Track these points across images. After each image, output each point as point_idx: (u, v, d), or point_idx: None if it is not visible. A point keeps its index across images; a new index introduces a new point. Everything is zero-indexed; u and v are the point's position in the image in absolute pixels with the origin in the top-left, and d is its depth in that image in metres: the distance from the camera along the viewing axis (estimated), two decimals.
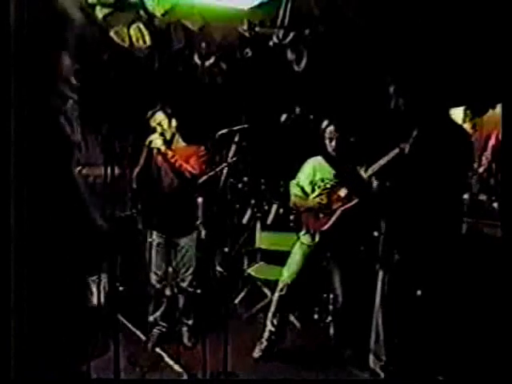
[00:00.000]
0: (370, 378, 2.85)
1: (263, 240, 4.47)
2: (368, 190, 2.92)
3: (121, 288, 2.86)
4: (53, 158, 1.43)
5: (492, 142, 4.24)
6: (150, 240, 3.64)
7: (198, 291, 3.52)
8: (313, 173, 3.36)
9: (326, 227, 3.24)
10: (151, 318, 3.63)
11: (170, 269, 3.58)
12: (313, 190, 3.35)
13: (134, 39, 3.66)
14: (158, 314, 3.62)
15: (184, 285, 3.54)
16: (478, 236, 3.49)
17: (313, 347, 3.62)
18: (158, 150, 3.38)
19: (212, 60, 4.17)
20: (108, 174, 2.76)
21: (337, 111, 3.31)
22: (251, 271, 4.31)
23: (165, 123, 3.44)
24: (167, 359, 3.29)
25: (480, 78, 3.59)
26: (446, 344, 2.63)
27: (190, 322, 3.62)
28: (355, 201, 3.14)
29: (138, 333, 3.64)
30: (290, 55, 3.89)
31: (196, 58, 4.15)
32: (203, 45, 4.09)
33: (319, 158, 3.39)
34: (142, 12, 3.58)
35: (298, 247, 3.41)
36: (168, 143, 3.43)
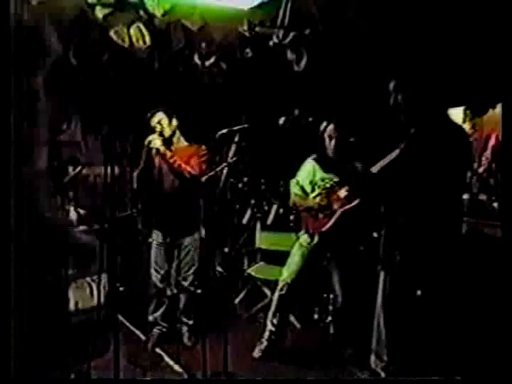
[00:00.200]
0: (370, 377, 2.85)
1: (263, 240, 4.46)
2: (368, 190, 2.92)
3: (121, 288, 2.86)
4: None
5: (492, 142, 4.24)
6: (150, 240, 3.64)
7: (199, 291, 3.52)
8: (313, 172, 3.35)
9: (325, 228, 3.24)
10: (151, 318, 3.63)
11: (173, 268, 3.58)
12: (313, 190, 3.34)
13: (134, 39, 3.67)
14: (158, 313, 3.62)
15: (185, 284, 3.54)
16: (478, 236, 3.50)
17: (313, 347, 3.62)
18: (157, 150, 3.37)
19: (212, 60, 4.17)
20: (108, 174, 2.76)
21: (337, 111, 3.31)
22: (251, 271, 4.31)
23: (164, 122, 3.43)
24: (167, 359, 3.29)
25: (480, 77, 3.59)
26: (448, 344, 2.63)
27: (191, 322, 3.61)
28: (355, 202, 3.13)
29: (138, 333, 3.64)
30: (289, 55, 3.89)
31: (196, 58, 4.15)
32: (203, 45, 4.09)
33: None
34: (141, 12, 3.58)
35: (298, 248, 3.41)
36: (167, 143, 3.42)
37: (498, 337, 2.11)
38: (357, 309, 3.33)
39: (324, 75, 4.03)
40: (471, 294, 3.08)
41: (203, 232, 3.57)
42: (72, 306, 3.72)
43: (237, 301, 4.31)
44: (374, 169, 2.64)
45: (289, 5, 3.55)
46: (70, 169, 4.17)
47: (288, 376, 3.16)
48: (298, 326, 3.94)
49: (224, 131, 2.97)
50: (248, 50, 4.05)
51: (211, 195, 3.43)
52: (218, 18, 3.75)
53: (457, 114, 4.15)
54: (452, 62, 3.44)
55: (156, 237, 3.58)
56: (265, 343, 3.42)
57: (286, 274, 3.40)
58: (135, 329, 3.66)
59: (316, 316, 3.98)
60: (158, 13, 3.50)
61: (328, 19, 3.67)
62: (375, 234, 3.44)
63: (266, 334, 3.43)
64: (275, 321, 3.41)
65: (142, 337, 3.60)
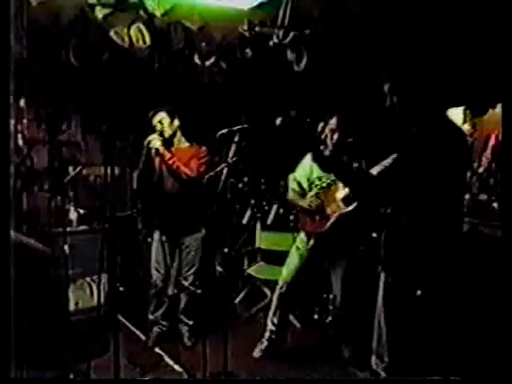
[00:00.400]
0: (370, 377, 2.85)
1: (263, 240, 4.47)
2: (367, 193, 2.91)
3: (121, 288, 2.86)
4: None
5: (492, 141, 4.24)
6: (150, 240, 3.64)
7: (199, 291, 3.52)
8: (310, 169, 3.33)
9: (323, 229, 3.23)
10: (152, 317, 3.63)
11: (173, 268, 3.58)
12: (310, 189, 3.33)
13: (134, 39, 3.67)
14: (158, 312, 3.62)
15: (186, 283, 3.54)
16: (478, 236, 3.50)
17: (313, 347, 3.62)
18: (157, 150, 3.37)
19: (212, 60, 4.17)
20: (108, 174, 2.76)
21: (337, 109, 3.30)
22: (251, 271, 4.31)
23: (165, 122, 3.43)
24: (167, 359, 3.29)
25: (480, 78, 3.59)
26: (448, 344, 2.63)
27: (191, 322, 3.61)
28: (354, 205, 3.11)
29: (138, 333, 3.64)
30: (289, 55, 3.89)
31: (196, 58, 4.15)
32: (203, 45, 4.09)
33: None
34: (141, 12, 3.58)
35: (295, 248, 3.41)
36: (167, 143, 3.42)
37: (498, 337, 2.11)
38: (357, 309, 3.33)
39: (324, 75, 4.03)
40: (471, 294, 3.08)
41: (203, 232, 3.58)
42: (72, 306, 3.73)
43: (237, 301, 4.32)
44: (374, 171, 2.63)
45: (289, 5, 3.55)
46: (70, 169, 4.17)
47: (288, 376, 3.16)
48: (298, 325, 3.94)
49: (224, 131, 2.97)
50: (248, 50, 4.04)
51: (211, 195, 3.43)
52: (218, 17, 3.75)
53: (457, 114, 4.15)
54: (452, 62, 3.44)
55: (157, 236, 3.58)
56: (265, 343, 3.42)
57: (285, 273, 3.40)
58: (135, 329, 3.66)
59: (316, 316, 3.98)
60: (158, 13, 3.50)
61: (328, 19, 3.67)
62: (374, 234, 3.43)
63: (267, 333, 3.44)
64: (275, 320, 3.41)
65: (142, 337, 3.60)
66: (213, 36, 4.03)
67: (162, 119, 3.43)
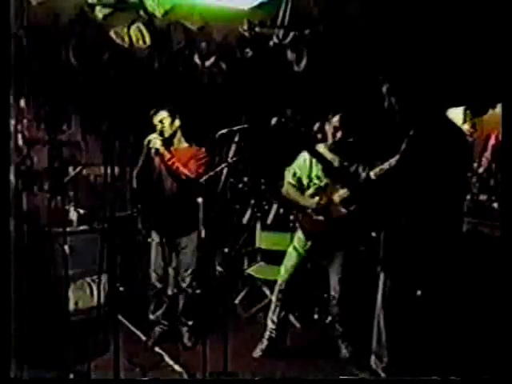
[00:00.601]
0: (369, 377, 2.85)
1: (263, 240, 4.47)
2: (366, 196, 2.90)
3: (121, 288, 2.86)
4: None
5: (492, 141, 4.24)
6: (149, 240, 3.64)
7: (198, 291, 3.52)
8: (309, 166, 3.29)
9: (321, 229, 3.23)
10: (153, 317, 3.63)
11: (171, 268, 3.58)
12: (308, 186, 3.31)
13: (134, 39, 3.67)
14: (159, 312, 3.62)
15: (183, 285, 3.54)
16: (478, 236, 3.50)
17: (313, 347, 3.62)
18: (157, 150, 3.36)
19: (212, 60, 4.17)
20: (108, 174, 2.76)
21: (336, 111, 3.30)
22: (251, 271, 4.31)
23: (166, 121, 3.42)
24: (167, 359, 3.29)
25: (480, 78, 3.59)
26: (448, 344, 2.63)
27: (190, 323, 3.61)
28: (353, 207, 3.10)
29: (139, 333, 3.64)
30: (289, 55, 3.89)
31: (196, 58, 4.15)
32: (203, 45, 4.09)
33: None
34: (141, 12, 3.58)
35: (293, 248, 3.41)
36: (167, 143, 3.41)
37: (498, 337, 2.11)
38: (356, 309, 3.33)
39: (324, 75, 4.03)
40: (471, 295, 3.08)
41: (203, 232, 3.58)
42: (72, 306, 3.73)
43: (237, 301, 4.32)
44: (373, 175, 2.62)
45: (289, 5, 3.55)
46: (70, 169, 4.17)
47: (288, 376, 3.16)
48: (298, 325, 3.94)
49: (224, 131, 2.97)
50: (248, 50, 4.04)
51: (211, 195, 3.43)
52: (218, 17, 3.75)
53: (457, 114, 4.16)
54: (452, 63, 3.44)
55: (154, 236, 3.58)
56: (265, 343, 3.43)
57: (284, 272, 3.41)
58: (135, 329, 3.66)
59: (316, 316, 3.98)
60: (158, 13, 3.50)
61: (328, 19, 3.67)
62: (374, 234, 3.43)
63: (267, 333, 3.44)
64: (275, 318, 3.41)
65: (143, 337, 3.60)
66: (213, 36, 4.03)
67: (162, 119, 3.42)
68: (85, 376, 2.86)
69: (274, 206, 4.41)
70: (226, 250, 3.93)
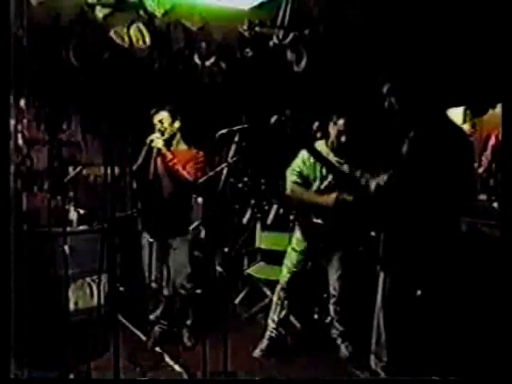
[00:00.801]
0: (369, 377, 2.85)
1: (263, 240, 4.47)
2: (367, 195, 2.89)
3: (121, 288, 2.86)
4: None
5: (492, 141, 4.24)
6: (151, 240, 3.64)
7: (198, 291, 3.52)
8: (314, 162, 3.24)
9: (320, 230, 3.22)
10: (152, 317, 3.63)
11: (165, 269, 3.57)
12: (321, 182, 3.26)
13: (134, 39, 3.67)
14: (157, 312, 3.62)
15: (178, 286, 3.53)
16: (478, 236, 3.49)
17: (313, 347, 3.62)
18: (159, 150, 3.36)
19: (212, 60, 4.17)
20: (108, 174, 2.76)
21: (336, 111, 3.30)
22: (251, 271, 4.31)
23: (166, 122, 3.42)
24: (167, 359, 3.30)
25: (480, 78, 3.58)
26: (447, 344, 2.63)
27: (189, 322, 3.62)
28: (352, 207, 3.09)
29: (138, 333, 3.64)
30: (289, 55, 3.89)
31: (196, 58, 4.15)
32: (203, 45, 4.09)
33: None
34: (141, 12, 3.58)
35: (291, 249, 3.41)
36: (168, 144, 3.41)
37: (498, 337, 2.11)
38: (355, 308, 3.33)
39: (324, 75, 4.03)
40: (471, 294, 3.08)
41: (203, 232, 3.58)
42: (72, 305, 3.73)
43: (237, 301, 4.32)
44: (372, 185, 2.59)
45: (289, 5, 3.55)
46: (70, 169, 4.17)
47: (288, 376, 3.16)
48: (298, 325, 3.94)
49: (224, 131, 2.97)
50: (248, 50, 4.04)
51: (211, 195, 3.43)
52: (218, 17, 3.76)
53: (457, 114, 4.15)
54: (452, 63, 3.44)
55: (147, 237, 3.56)
56: (266, 342, 3.43)
57: (284, 272, 3.42)
58: (135, 329, 3.67)
59: (316, 316, 3.98)
60: (158, 13, 3.50)
61: (328, 19, 3.67)
62: (373, 233, 3.43)
63: (267, 333, 3.45)
64: (276, 317, 3.42)
65: (143, 337, 3.60)
66: (213, 36, 4.03)
67: (162, 119, 3.42)
68: (85, 376, 2.86)
69: (274, 206, 4.41)
70: (226, 249, 3.93)
